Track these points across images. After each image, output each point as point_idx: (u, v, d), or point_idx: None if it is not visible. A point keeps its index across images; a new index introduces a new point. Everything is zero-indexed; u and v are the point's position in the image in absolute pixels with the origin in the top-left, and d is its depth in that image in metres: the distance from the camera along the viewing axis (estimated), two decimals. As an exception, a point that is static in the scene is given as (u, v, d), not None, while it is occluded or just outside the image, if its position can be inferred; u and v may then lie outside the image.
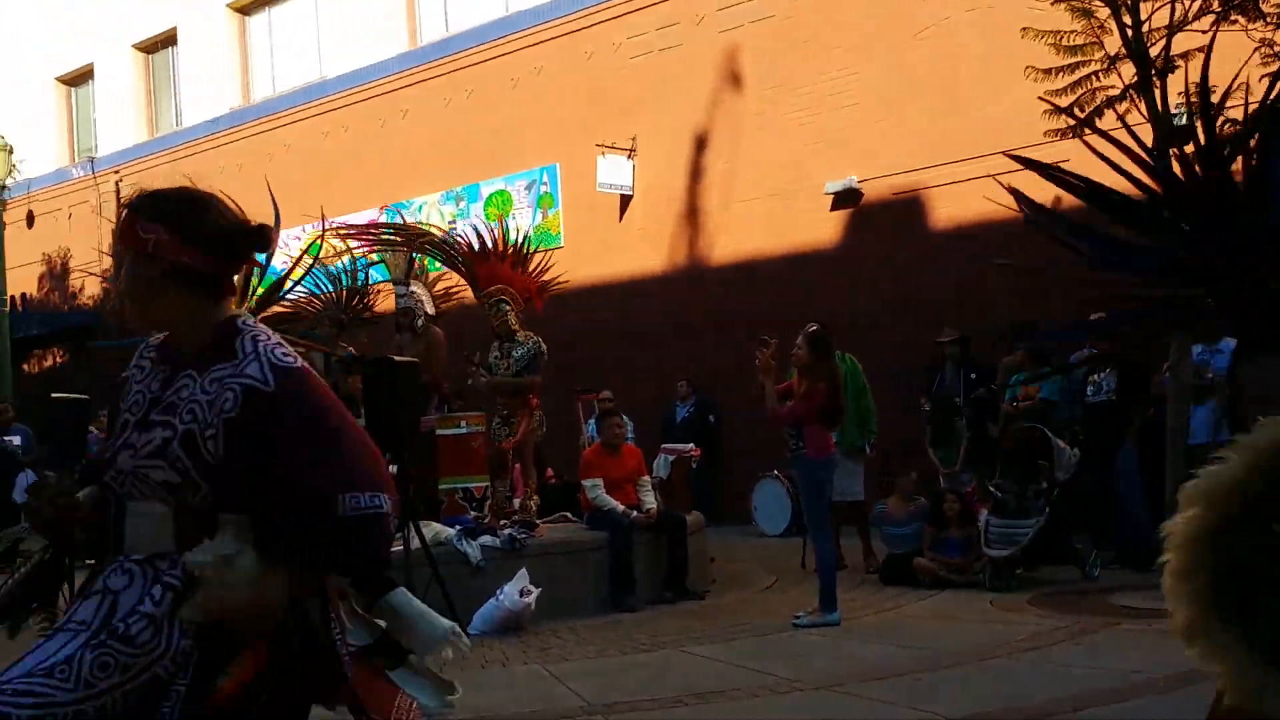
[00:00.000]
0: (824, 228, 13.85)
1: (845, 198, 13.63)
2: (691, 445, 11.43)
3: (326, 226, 9.94)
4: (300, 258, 9.64)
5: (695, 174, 15.04)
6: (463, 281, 9.92)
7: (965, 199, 12.10)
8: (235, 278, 2.61)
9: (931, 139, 12.76)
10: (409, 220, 13.72)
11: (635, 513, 8.88)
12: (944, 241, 12.81)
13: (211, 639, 2.21)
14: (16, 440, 13.52)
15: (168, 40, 21.85)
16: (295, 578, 2.24)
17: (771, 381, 7.49)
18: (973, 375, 10.09)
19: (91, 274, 21.45)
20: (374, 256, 10.71)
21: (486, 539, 8.35)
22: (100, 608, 2.23)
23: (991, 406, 9.88)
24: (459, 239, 9.70)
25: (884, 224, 13.27)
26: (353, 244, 10.60)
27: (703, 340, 14.61)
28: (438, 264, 10.47)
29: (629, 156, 15.47)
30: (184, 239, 2.26)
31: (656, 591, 8.74)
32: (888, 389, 10.57)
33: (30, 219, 22.66)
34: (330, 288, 10.97)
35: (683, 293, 14.96)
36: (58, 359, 23.04)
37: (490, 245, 9.40)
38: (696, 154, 15.02)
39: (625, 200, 15.65)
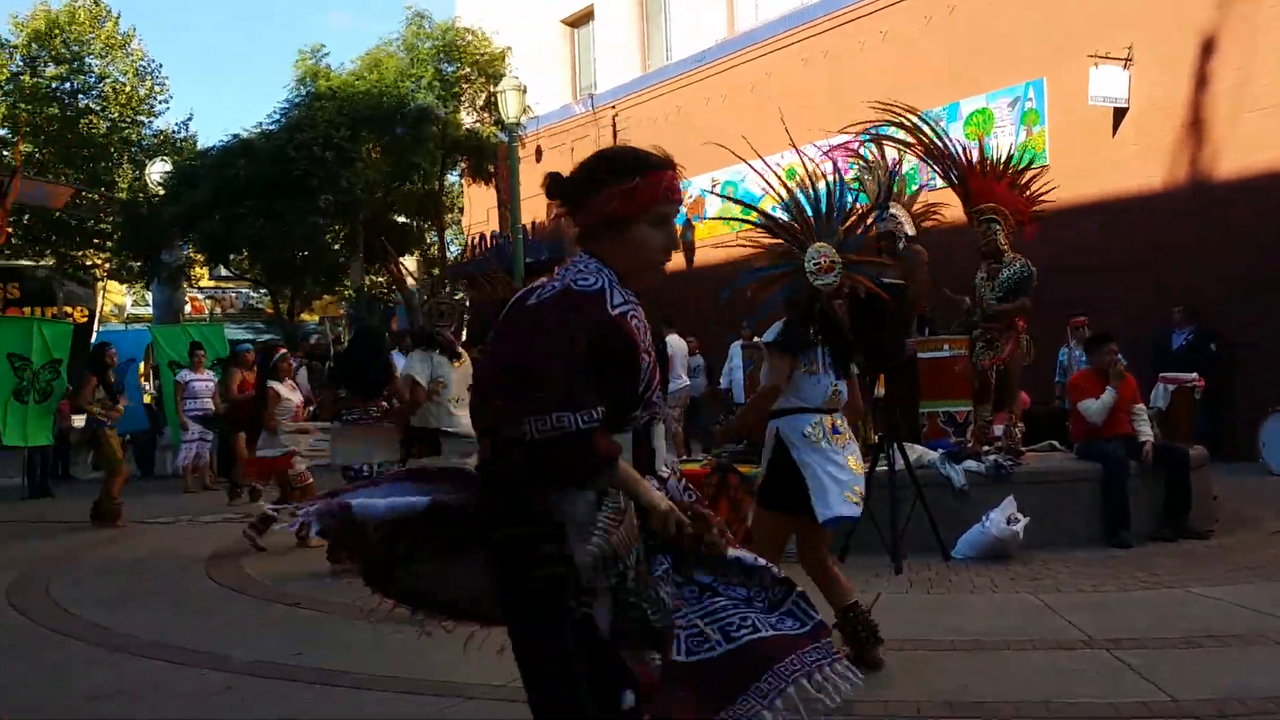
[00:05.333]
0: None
1: (1385, 103, 12.02)
2: (1195, 375, 10.61)
3: (810, 151, 10.03)
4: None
5: (1200, 83, 13.82)
6: (939, 201, 9.73)
7: None
8: None
9: None
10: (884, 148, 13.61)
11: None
12: None
13: None
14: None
15: (660, -23, 22.91)
16: None
17: None
18: None
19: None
20: (852, 178, 10.67)
21: (970, 464, 8.29)
22: None
23: None
24: (951, 149, 9.44)
25: None
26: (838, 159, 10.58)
27: (1204, 263, 13.48)
28: (914, 186, 10.30)
29: (1124, 66, 14.47)
30: None
31: (1154, 528, 8.28)
32: None
33: (539, 154, 24.69)
34: (810, 211, 11.10)
35: (1182, 212, 13.86)
36: (560, 283, 25.08)
37: (986, 161, 9.13)
38: (1202, 60, 13.79)
39: (1119, 114, 14.67)
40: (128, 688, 5.29)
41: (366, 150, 21.85)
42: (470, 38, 22.92)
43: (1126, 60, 14.40)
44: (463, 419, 7.82)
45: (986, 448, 8.65)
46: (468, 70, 22.77)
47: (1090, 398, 8.63)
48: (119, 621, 6.67)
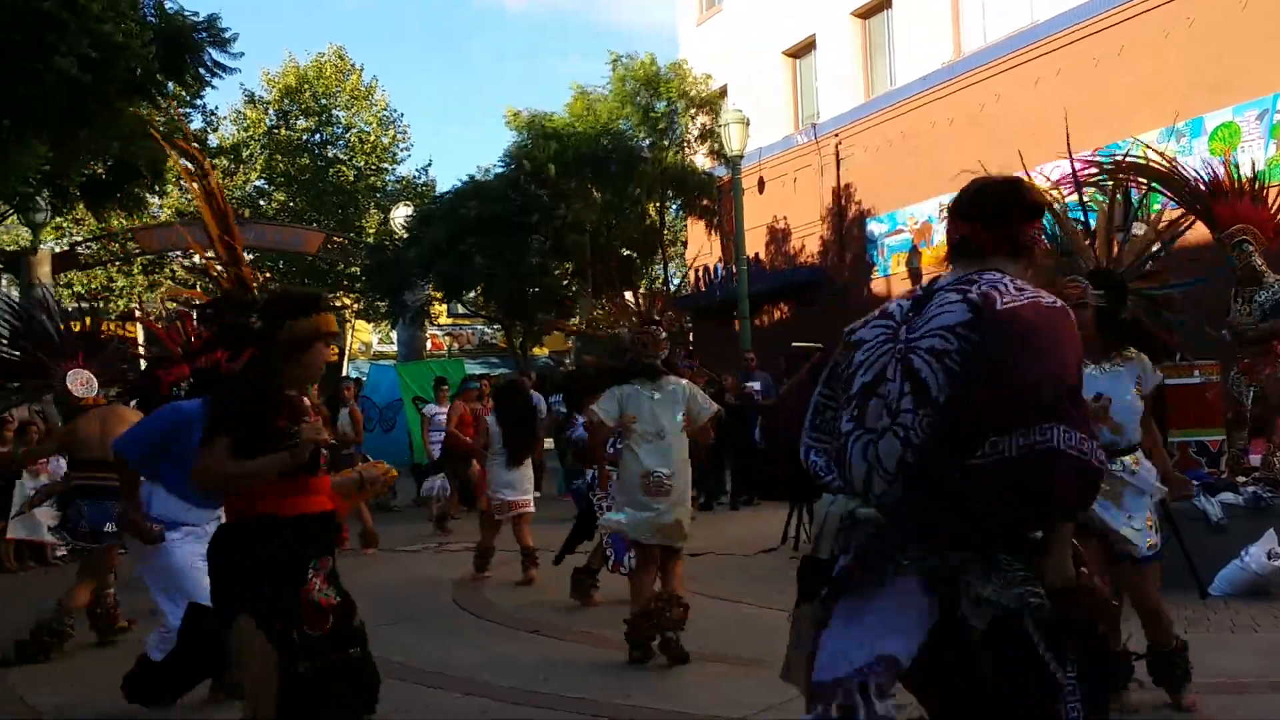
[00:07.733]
0: None
1: None
2: None
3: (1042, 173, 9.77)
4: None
5: None
6: (1178, 219, 9.27)
7: None
8: None
9: None
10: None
11: None
12: None
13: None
14: (756, 385, 15.02)
15: (882, 4, 22.58)
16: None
17: None
18: None
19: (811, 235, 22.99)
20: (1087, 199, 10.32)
21: (1227, 496, 7.87)
22: None
23: None
24: (1188, 174, 9.04)
25: None
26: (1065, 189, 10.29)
27: None
28: (1157, 205, 9.86)
29: (1384, 71, 13.52)
30: None
31: None
32: None
33: (761, 185, 24.82)
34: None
35: None
36: (783, 314, 25.08)
37: (1221, 181, 8.69)
38: None
39: (1381, 121, 13.70)
40: (387, 709, 5.56)
41: (586, 187, 22.45)
42: (676, 74, 23.25)
43: (1388, 64, 13.45)
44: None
45: (1243, 478, 8.18)
46: (677, 105, 23.09)
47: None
48: (374, 645, 7.00)
